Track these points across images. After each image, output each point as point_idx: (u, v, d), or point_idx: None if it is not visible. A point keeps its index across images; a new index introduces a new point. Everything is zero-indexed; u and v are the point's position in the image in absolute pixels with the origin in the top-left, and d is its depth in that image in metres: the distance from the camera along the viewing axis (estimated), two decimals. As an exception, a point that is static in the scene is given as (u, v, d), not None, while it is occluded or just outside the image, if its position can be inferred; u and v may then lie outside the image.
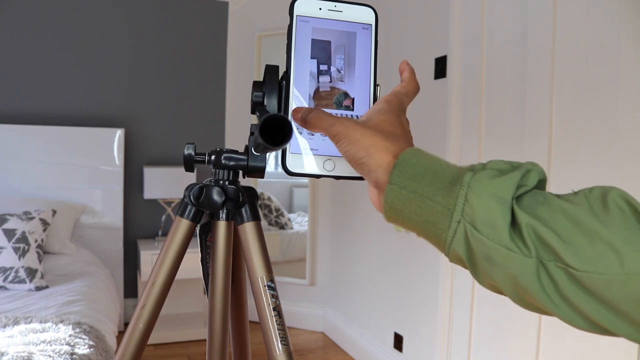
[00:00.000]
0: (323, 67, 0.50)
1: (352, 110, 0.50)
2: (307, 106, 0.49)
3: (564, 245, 0.33)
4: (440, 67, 2.05)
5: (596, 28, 1.44)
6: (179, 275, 0.66)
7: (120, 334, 2.46)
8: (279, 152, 0.48)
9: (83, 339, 1.62)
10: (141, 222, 3.10)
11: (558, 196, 0.36)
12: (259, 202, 0.73)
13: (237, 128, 3.25)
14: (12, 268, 2.17)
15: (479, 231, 0.36)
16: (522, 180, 0.37)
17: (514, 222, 0.35)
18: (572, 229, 0.33)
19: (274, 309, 0.59)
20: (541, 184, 0.39)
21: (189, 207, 0.62)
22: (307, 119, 0.46)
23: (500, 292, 0.38)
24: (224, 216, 0.63)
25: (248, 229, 0.62)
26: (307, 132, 0.49)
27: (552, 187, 1.50)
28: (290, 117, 0.48)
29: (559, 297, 0.34)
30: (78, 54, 2.94)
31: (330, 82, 0.50)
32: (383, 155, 0.42)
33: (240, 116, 3.23)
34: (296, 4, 0.49)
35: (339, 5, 0.50)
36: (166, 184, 2.91)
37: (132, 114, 3.07)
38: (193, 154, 0.61)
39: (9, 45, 2.81)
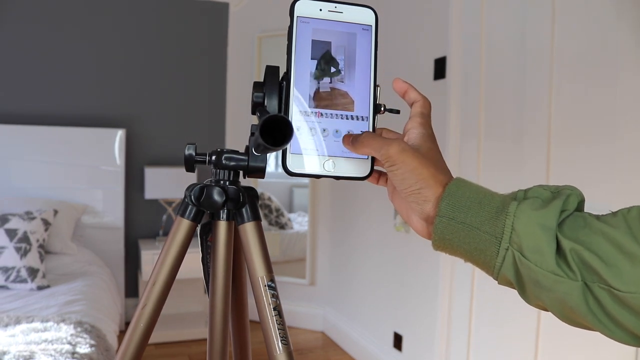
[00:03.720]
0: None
1: (353, 111, 0.50)
2: (307, 106, 0.49)
3: (606, 268, 0.35)
4: (440, 68, 2.05)
5: (595, 28, 1.45)
6: (180, 275, 0.66)
7: (122, 334, 2.47)
8: (279, 153, 0.48)
9: (84, 338, 1.62)
10: (142, 222, 3.10)
11: (597, 218, 0.38)
12: (260, 202, 0.73)
13: (238, 128, 3.26)
14: (13, 268, 2.17)
15: (526, 258, 0.38)
16: (564, 206, 0.39)
17: (558, 248, 0.37)
18: (613, 252, 0.35)
19: (274, 309, 0.59)
20: (580, 205, 0.41)
21: (190, 207, 0.63)
22: (358, 139, 0.47)
23: (546, 310, 0.41)
24: (224, 216, 0.63)
25: (248, 229, 0.62)
26: (307, 132, 0.49)
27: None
28: (291, 118, 0.49)
29: (605, 316, 0.36)
30: (79, 55, 2.94)
31: (331, 82, 0.50)
32: (437, 187, 0.43)
33: (241, 116, 3.23)
34: (297, 5, 0.49)
35: (339, 7, 0.50)
36: (167, 184, 2.92)
37: (133, 114, 3.07)
38: (194, 154, 0.61)
39: (10, 45, 2.81)
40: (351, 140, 0.48)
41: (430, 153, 0.46)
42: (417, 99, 0.50)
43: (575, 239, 0.37)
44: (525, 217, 0.38)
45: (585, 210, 0.41)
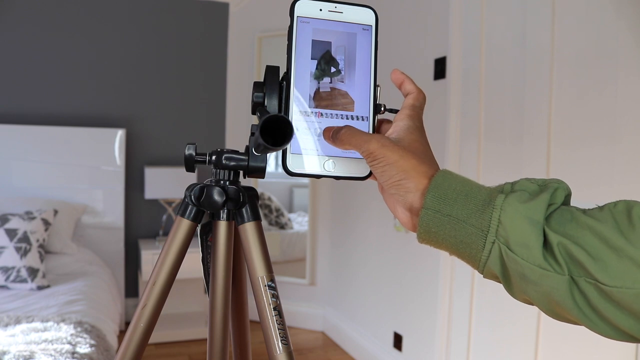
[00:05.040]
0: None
1: (353, 111, 0.50)
2: (307, 107, 0.49)
3: (593, 262, 0.35)
4: (440, 68, 2.05)
5: (595, 29, 1.45)
6: (180, 275, 0.66)
7: (122, 334, 2.47)
8: (280, 153, 0.48)
9: (84, 338, 1.62)
10: (142, 222, 3.10)
11: (584, 212, 0.38)
12: (260, 202, 0.73)
13: (238, 128, 3.26)
14: (13, 267, 2.17)
15: (513, 252, 0.37)
16: (551, 199, 0.39)
17: (545, 242, 0.37)
18: (600, 246, 0.35)
19: (274, 309, 0.59)
20: (567, 199, 0.41)
21: (190, 207, 0.63)
22: (338, 136, 0.47)
23: (531, 304, 0.40)
24: (224, 216, 0.63)
25: (248, 229, 0.62)
26: (307, 132, 0.49)
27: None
28: (291, 118, 0.49)
29: (591, 310, 0.36)
30: (80, 55, 2.94)
31: (331, 82, 0.50)
32: (421, 179, 0.43)
33: (241, 116, 3.23)
34: (297, 5, 0.49)
35: (340, 7, 0.50)
36: (167, 184, 2.92)
37: (133, 114, 3.07)
38: (194, 154, 0.61)
39: (10, 46, 2.82)
40: (331, 135, 0.47)
41: (414, 145, 0.45)
42: (411, 91, 0.49)
43: (563, 232, 0.36)
44: (512, 210, 0.38)
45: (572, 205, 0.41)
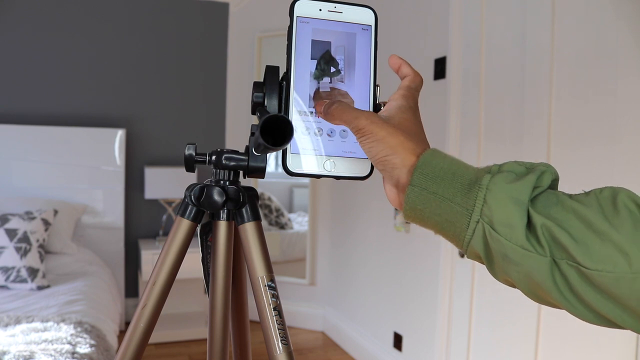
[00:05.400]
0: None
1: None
2: (307, 107, 0.49)
3: (575, 245, 0.35)
4: (440, 68, 2.05)
5: (595, 29, 1.45)
6: (180, 275, 0.66)
7: (122, 334, 2.47)
8: (279, 153, 0.48)
9: (84, 338, 1.62)
10: (142, 222, 3.10)
11: (570, 196, 0.38)
12: (260, 202, 0.73)
13: (238, 128, 3.26)
14: (13, 267, 2.17)
15: (497, 231, 0.38)
16: (537, 182, 0.39)
17: (529, 223, 0.37)
18: (584, 229, 0.35)
19: (274, 309, 0.59)
20: (554, 183, 0.41)
21: (190, 207, 0.63)
22: (329, 110, 0.47)
23: (513, 286, 0.40)
24: (224, 216, 0.63)
25: (248, 229, 0.62)
26: (307, 132, 0.49)
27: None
28: (291, 118, 0.49)
29: (571, 293, 0.36)
30: (80, 55, 2.94)
31: (331, 82, 0.50)
32: (408, 156, 0.43)
33: (241, 117, 3.23)
34: (296, 5, 0.49)
35: (339, 7, 0.51)
36: (167, 184, 2.92)
37: (133, 114, 3.07)
38: (194, 154, 0.61)
39: (10, 46, 2.82)
40: (323, 109, 0.48)
41: (404, 123, 0.45)
42: (408, 74, 0.50)
43: (547, 214, 0.36)
44: (497, 190, 0.38)
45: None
